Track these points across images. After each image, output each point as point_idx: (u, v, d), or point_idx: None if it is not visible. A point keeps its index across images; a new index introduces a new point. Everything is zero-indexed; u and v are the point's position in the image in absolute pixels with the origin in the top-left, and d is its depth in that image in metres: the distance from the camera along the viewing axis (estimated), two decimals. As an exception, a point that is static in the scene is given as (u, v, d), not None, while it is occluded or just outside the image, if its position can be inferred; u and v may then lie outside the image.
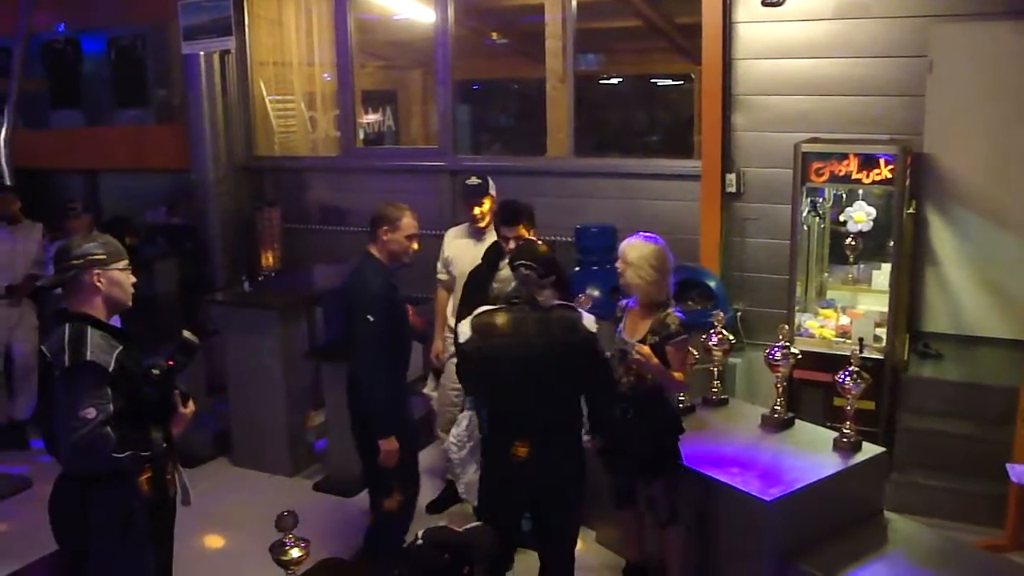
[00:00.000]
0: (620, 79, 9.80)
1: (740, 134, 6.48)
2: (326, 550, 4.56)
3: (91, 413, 3.15)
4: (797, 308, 5.92)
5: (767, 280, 6.47)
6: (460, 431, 4.40)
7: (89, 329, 3.27)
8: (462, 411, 4.56)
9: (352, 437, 4.71)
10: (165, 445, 3.48)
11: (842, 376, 4.46)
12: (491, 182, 5.47)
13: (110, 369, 3.24)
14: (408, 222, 4.52)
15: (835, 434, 4.57)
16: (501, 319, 3.83)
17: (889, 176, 5.49)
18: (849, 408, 4.49)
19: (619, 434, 4.29)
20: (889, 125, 6.01)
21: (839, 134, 6.03)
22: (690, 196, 6.66)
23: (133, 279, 3.52)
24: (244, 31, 8.17)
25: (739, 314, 6.45)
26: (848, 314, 5.95)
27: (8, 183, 8.16)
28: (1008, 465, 3.65)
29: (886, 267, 5.81)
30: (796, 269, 5.90)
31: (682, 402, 5.01)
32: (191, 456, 6.32)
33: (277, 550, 2.98)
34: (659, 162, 7.10)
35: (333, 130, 8.58)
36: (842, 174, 5.61)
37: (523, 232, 5.03)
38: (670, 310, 4.16)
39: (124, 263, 3.47)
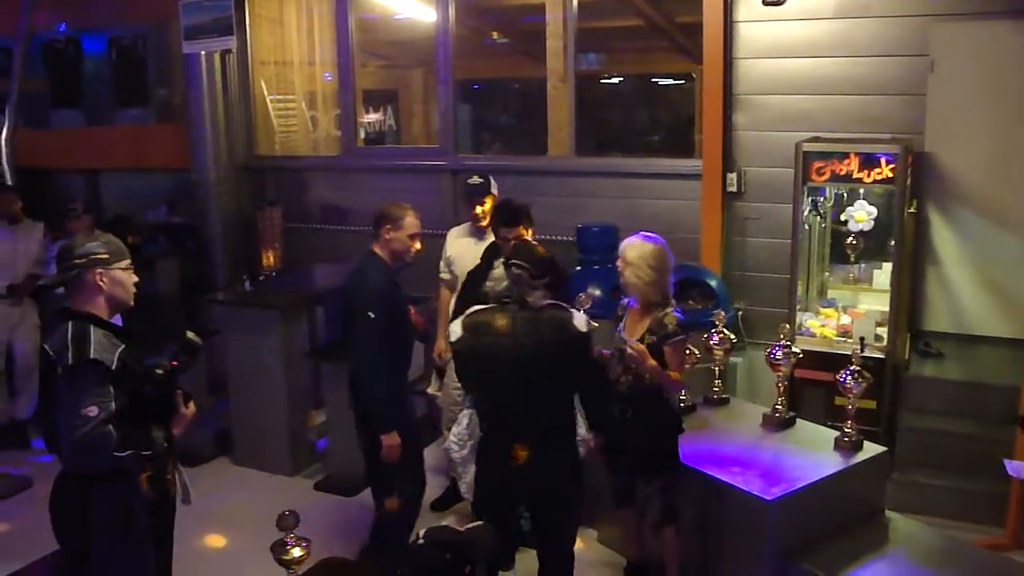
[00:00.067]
0: (621, 78, 9.81)
1: (741, 133, 6.48)
2: (327, 549, 4.56)
3: (93, 411, 3.15)
4: (798, 307, 5.93)
5: (768, 279, 6.47)
6: (461, 430, 4.40)
7: (92, 327, 3.28)
8: (463, 410, 4.56)
9: (355, 436, 4.71)
10: (166, 445, 3.48)
11: (843, 375, 4.47)
12: (493, 181, 5.47)
13: (113, 367, 3.24)
14: (411, 221, 4.53)
15: (836, 433, 4.57)
16: (491, 318, 3.85)
17: (890, 175, 5.49)
18: (850, 407, 4.49)
19: (618, 433, 4.29)
20: (890, 124, 6.01)
21: (840, 133, 6.03)
22: (691, 195, 6.66)
23: (135, 278, 3.53)
24: (245, 30, 8.17)
25: (740, 313, 6.45)
26: (849, 313, 5.95)
27: (9, 183, 8.16)
28: (1005, 461, 3.65)
29: (887, 266, 5.81)
30: (797, 268, 5.90)
31: (683, 401, 5.02)
32: (192, 455, 6.33)
33: (278, 549, 2.99)
34: (660, 161, 7.10)
35: (334, 129, 8.58)
36: (843, 173, 5.61)
37: (522, 232, 5.03)
38: (668, 310, 4.15)
39: (126, 262, 3.49)
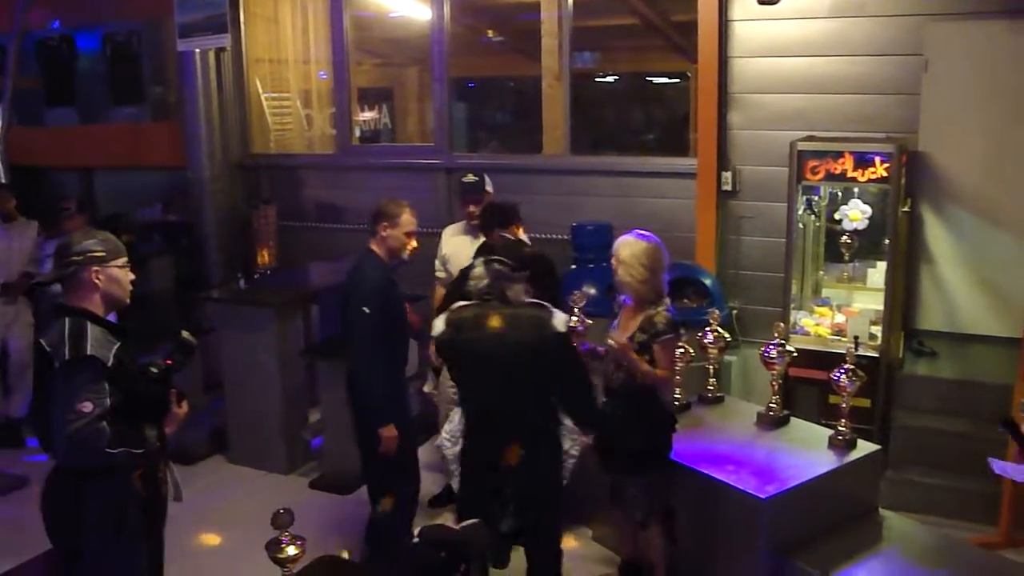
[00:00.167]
0: (616, 77, 9.82)
1: (736, 132, 6.49)
2: (322, 548, 4.55)
3: (87, 407, 3.16)
4: (793, 306, 5.94)
5: (763, 278, 6.48)
6: (453, 427, 4.41)
7: (89, 324, 3.29)
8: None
9: (351, 434, 4.73)
10: (158, 443, 3.49)
11: (837, 374, 4.47)
12: (487, 179, 5.47)
13: (109, 364, 3.25)
14: (407, 219, 4.55)
15: (830, 432, 4.57)
16: (471, 314, 3.88)
17: (884, 174, 5.50)
18: (844, 406, 4.50)
19: (609, 431, 4.31)
20: (885, 123, 6.02)
21: (835, 132, 6.04)
22: (686, 194, 6.66)
23: (132, 276, 3.54)
24: (240, 28, 8.15)
25: (735, 312, 6.46)
26: (843, 312, 5.96)
27: (3, 181, 8.14)
28: (991, 460, 3.66)
29: (881, 265, 5.82)
30: (792, 267, 5.90)
31: (677, 399, 5.02)
32: (187, 454, 6.34)
33: (273, 548, 2.99)
34: (655, 160, 7.11)
35: (329, 128, 8.57)
36: (837, 172, 5.62)
37: (515, 231, 5.04)
38: (660, 308, 4.15)
39: (123, 260, 3.50)
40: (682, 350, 4.91)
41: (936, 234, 6.13)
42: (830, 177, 5.67)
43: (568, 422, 4.83)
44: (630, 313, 4.29)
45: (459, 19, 7.90)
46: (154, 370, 3.43)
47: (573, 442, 4.90)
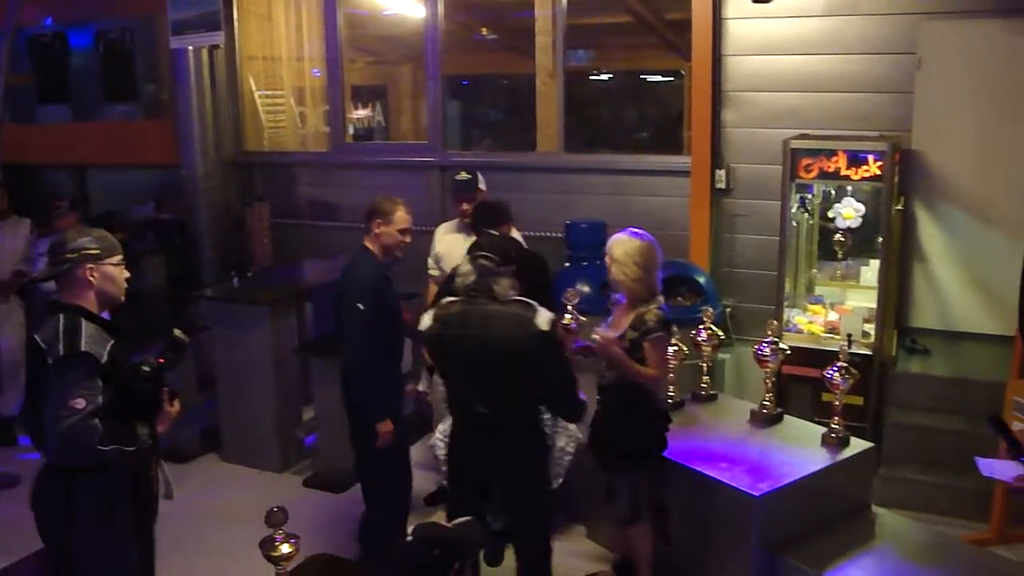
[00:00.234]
0: (610, 75, 9.82)
1: (730, 130, 6.49)
2: (316, 546, 4.56)
3: (80, 403, 3.16)
4: (786, 304, 5.95)
5: (756, 276, 6.49)
6: (446, 427, 4.42)
7: (83, 321, 3.29)
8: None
9: (345, 432, 4.73)
10: (150, 441, 3.48)
11: (830, 372, 4.48)
12: (480, 177, 5.47)
13: (103, 361, 3.25)
14: (401, 216, 4.55)
15: (823, 429, 4.58)
16: (457, 310, 3.88)
17: (878, 172, 5.52)
18: (837, 403, 4.50)
19: (600, 427, 4.31)
20: (878, 122, 6.03)
21: (828, 130, 6.05)
22: (680, 192, 6.67)
23: (127, 274, 3.54)
24: (233, 26, 8.14)
25: (728, 310, 6.47)
26: (836, 310, 5.98)
27: (-5, 178, 8.12)
28: (977, 458, 3.66)
29: (874, 263, 5.84)
30: (785, 265, 5.92)
31: (671, 397, 5.03)
32: (180, 452, 6.34)
33: (267, 546, 2.99)
34: (649, 158, 7.12)
35: (322, 125, 8.56)
36: (831, 170, 5.63)
37: (507, 230, 5.03)
38: (651, 306, 4.14)
39: (118, 258, 3.50)
40: (676, 348, 4.92)
41: (929, 232, 6.15)
42: (823, 175, 5.68)
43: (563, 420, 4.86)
44: (624, 311, 4.29)
45: (453, 17, 7.90)
46: (146, 368, 3.42)
47: (569, 439, 4.92)
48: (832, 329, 5.82)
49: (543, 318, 3.75)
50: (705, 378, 5.20)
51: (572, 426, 4.93)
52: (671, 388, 5.05)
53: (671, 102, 9.09)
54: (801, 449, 4.51)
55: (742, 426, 4.85)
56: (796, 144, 5.75)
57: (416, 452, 5.52)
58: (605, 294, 4.82)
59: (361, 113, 9.30)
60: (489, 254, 3.89)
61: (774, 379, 4.87)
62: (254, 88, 8.49)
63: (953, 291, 6.15)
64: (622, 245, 4.18)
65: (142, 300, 7.15)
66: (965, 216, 6.03)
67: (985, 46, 5.81)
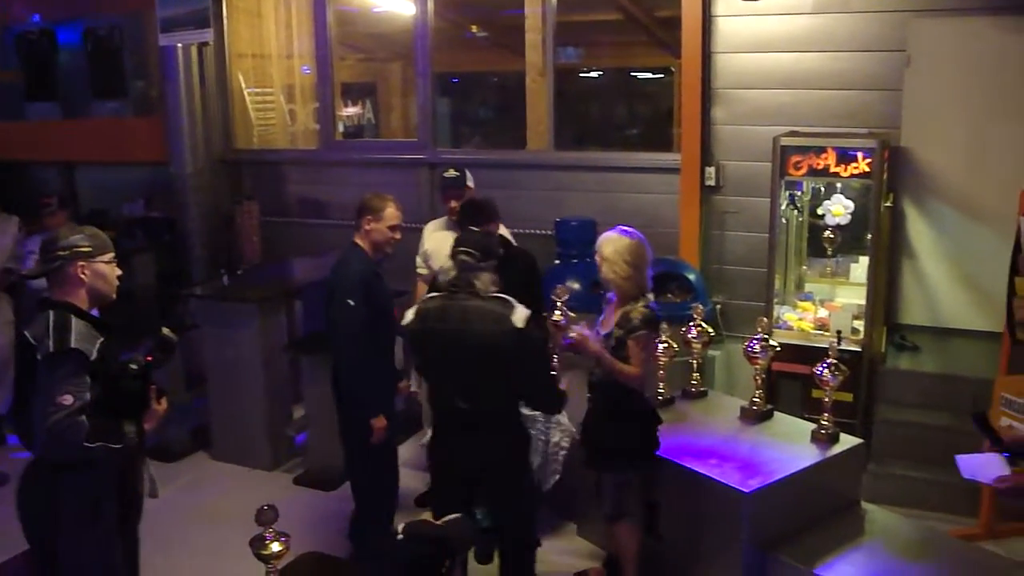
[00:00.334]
0: (600, 72, 9.84)
1: (719, 128, 6.50)
2: (307, 544, 4.55)
3: (68, 399, 3.16)
4: (776, 301, 5.96)
5: (746, 273, 6.50)
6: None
7: (73, 317, 3.30)
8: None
9: (335, 430, 4.73)
10: (136, 439, 3.47)
11: (820, 368, 4.49)
12: (469, 175, 5.46)
13: (92, 358, 3.25)
14: (391, 212, 4.56)
15: (813, 426, 4.59)
16: (437, 305, 3.92)
17: (867, 169, 5.53)
18: (827, 400, 4.52)
19: (590, 426, 4.32)
20: (867, 119, 6.05)
21: (818, 128, 6.06)
22: (670, 189, 6.68)
23: (119, 272, 3.54)
24: (222, 23, 8.11)
25: (718, 307, 6.49)
26: (826, 307, 6.00)
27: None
28: (957, 457, 3.66)
29: (864, 260, 5.85)
30: (775, 262, 5.93)
31: (661, 394, 5.04)
32: (170, 450, 6.33)
33: (257, 544, 2.98)
34: (639, 156, 7.13)
35: (312, 123, 8.54)
36: (820, 167, 5.65)
37: (493, 228, 5.01)
38: (638, 304, 4.13)
39: (109, 256, 3.50)
40: (666, 345, 4.93)
41: (918, 229, 6.17)
42: (813, 172, 5.69)
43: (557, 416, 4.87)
44: (614, 309, 4.30)
45: (442, 14, 7.89)
46: (135, 366, 3.43)
47: (562, 434, 4.93)
48: (822, 326, 5.83)
49: (519, 315, 3.77)
50: (695, 375, 5.21)
51: (565, 420, 4.95)
52: (661, 385, 5.06)
53: (661, 99, 9.11)
54: (791, 445, 4.52)
55: (732, 423, 4.86)
56: (786, 141, 5.76)
57: (407, 451, 5.52)
58: (595, 291, 4.82)
59: (351, 111, 9.29)
60: (470, 250, 3.90)
61: (764, 376, 4.88)
62: (243, 85, 8.46)
63: (942, 288, 6.18)
64: (612, 243, 4.18)
65: (132, 298, 7.13)
66: (954, 213, 6.05)
67: (974, 44, 5.83)
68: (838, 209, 5.76)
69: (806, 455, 4.41)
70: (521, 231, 6.58)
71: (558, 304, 4.56)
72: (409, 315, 3.99)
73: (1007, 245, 5.09)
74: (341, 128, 8.49)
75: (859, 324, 5.73)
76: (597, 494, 4.49)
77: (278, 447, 6.34)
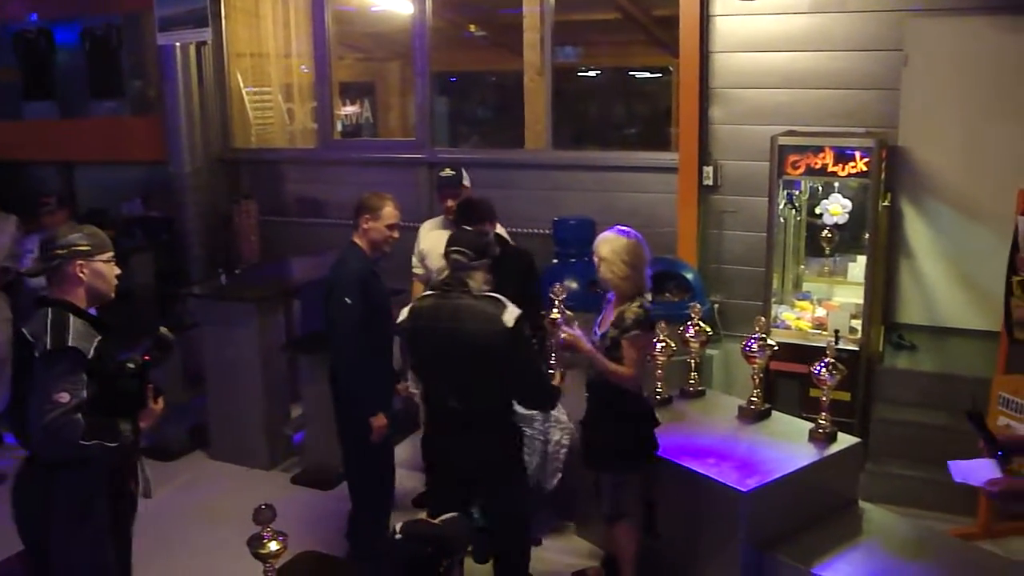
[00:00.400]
0: (598, 72, 9.83)
1: (717, 127, 6.50)
2: (304, 543, 4.56)
3: (64, 397, 3.17)
4: (773, 300, 5.97)
5: (744, 272, 6.50)
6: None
7: (71, 316, 3.30)
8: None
9: (333, 429, 4.74)
10: (132, 438, 3.47)
11: (818, 367, 4.49)
12: (465, 174, 5.45)
13: (89, 356, 3.26)
14: (389, 211, 4.56)
15: (811, 425, 4.60)
16: (430, 303, 3.93)
17: (864, 169, 5.54)
18: (825, 399, 4.52)
19: (587, 425, 4.32)
20: (865, 118, 6.05)
21: (815, 127, 6.06)
22: (667, 189, 6.68)
23: (117, 271, 3.54)
24: (220, 22, 8.10)
25: (716, 306, 6.49)
26: (824, 306, 6.00)
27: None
28: (950, 463, 3.66)
29: (861, 259, 5.86)
30: (772, 261, 5.93)
31: (659, 394, 5.04)
32: (168, 449, 6.33)
33: (255, 543, 2.99)
34: (637, 155, 7.12)
35: (310, 122, 8.53)
36: (818, 167, 5.65)
37: (489, 228, 5.00)
38: (633, 304, 4.13)
39: (108, 255, 3.50)
40: (663, 344, 4.93)
41: (916, 228, 6.17)
42: (811, 172, 5.69)
43: (555, 412, 4.87)
44: (613, 309, 4.30)
45: (441, 13, 7.89)
46: (131, 365, 3.43)
47: (563, 432, 4.93)
48: (819, 325, 5.83)
49: (510, 314, 3.77)
50: (693, 374, 5.21)
51: (565, 419, 4.95)
52: (659, 384, 5.06)
53: (659, 99, 9.10)
54: (789, 445, 4.52)
55: (730, 422, 4.87)
56: (784, 140, 5.76)
57: (405, 451, 5.52)
58: (593, 290, 4.82)
59: (349, 110, 9.27)
60: (463, 249, 3.91)
61: (762, 375, 4.88)
62: (242, 85, 8.46)
63: (939, 287, 6.19)
64: (609, 243, 4.18)
65: (130, 297, 7.13)
66: (951, 212, 6.06)
67: (971, 43, 5.84)
68: (836, 208, 5.76)
69: (804, 454, 4.42)
70: (519, 230, 6.58)
71: (556, 302, 4.56)
72: (403, 314, 4.01)
73: (1005, 244, 5.10)
74: (339, 127, 8.49)
75: (857, 323, 5.73)
76: (596, 494, 4.49)
77: (276, 446, 6.34)
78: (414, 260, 5.57)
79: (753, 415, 4.84)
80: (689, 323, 5.07)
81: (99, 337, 3.34)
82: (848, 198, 5.75)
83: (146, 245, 8.06)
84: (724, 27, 6.37)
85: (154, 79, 8.41)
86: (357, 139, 9.16)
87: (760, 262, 6.08)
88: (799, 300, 6.12)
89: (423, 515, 3.47)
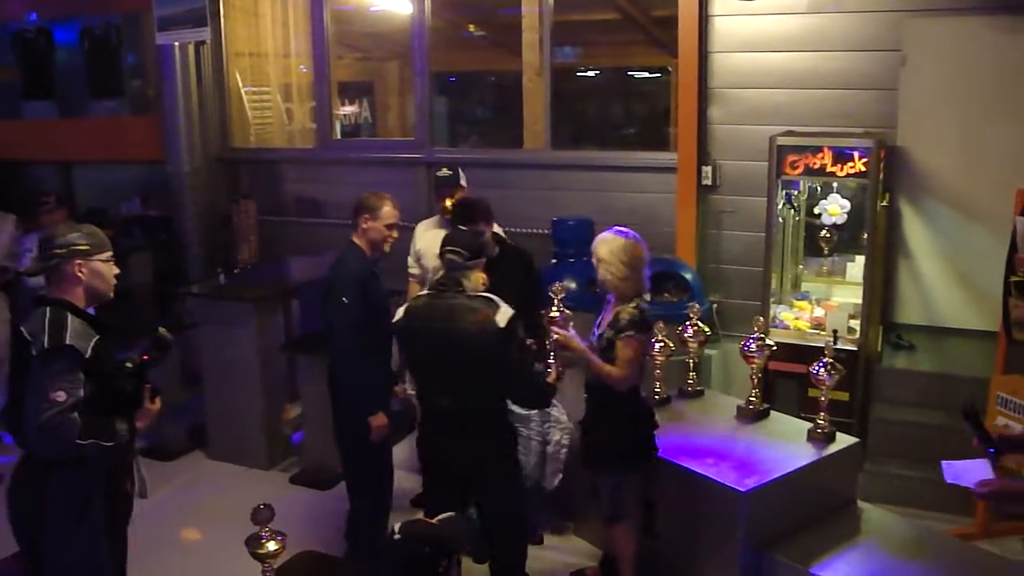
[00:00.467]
0: (597, 72, 9.83)
1: (716, 127, 6.51)
2: (302, 543, 4.56)
3: (61, 396, 3.17)
4: (772, 300, 5.97)
5: (742, 272, 6.51)
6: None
7: (69, 315, 3.30)
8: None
9: (331, 429, 4.74)
10: (128, 438, 3.47)
11: (816, 367, 4.49)
12: (462, 173, 5.45)
13: (87, 356, 3.25)
14: (388, 211, 4.56)
15: (809, 425, 4.60)
16: (425, 303, 3.95)
17: (863, 169, 5.54)
18: (823, 399, 4.52)
19: (586, 426, 4.32)
20: (863, 119, 6.05)
21: (814, 127, 6.06)
22: (666, 189, 6.68)
23: (116, 270, 3.54)
24: (219, 22, 8.10)
25: (715, 306, 6.49)
26: (822, 306, 6.00)
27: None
28: (944, 463, 3.67)
29: (860, 259, 5.86)
30: (771, 261, 5.94)
31: (657, 394, 5.04)
32: (166, 449, 6.32)
33: (253, 543, 2.98)
34: (636, 155, 7.12)
35: (309, 122, 8.53)
36: (817, 167, 5.65)
37: (485, 228, 4.99)
38: (629, 305, 4.11)
39: (107, 254, 3.50)
40: (662, 344, 4.93)
41: (914, 228, 6.18)
42: (809, 172, 5.69)
43: (554, 411, 4.87)
44: (611, 310, 4.30)
45: (440, 13, 7.89)
46: (129, 365, 3.43)
47: (563, 432, 4.93)
48: (818, 325, 5.84)
49: (503, 315, 3.78)
50: (692, 374, 5.21)
51: (564, 419, 4.95)
52: (657, 384, 5.06)
53: (658, 99, 9.10)
54: (787, 445, 4.52)
55: (728, 422, 4.87)
56: (782, 141, 5.76)
57: (403, 452, 5.52)
58: (591, 290, 4.82)
59: (348, 109, 9.27)
60: (458, 249, 3.92)
61: (760, 375, 4.88)
62: (241, 84, 8.45)
63: (938, 287, 6.19)
64: (607, 244, 4.17)
65: (129, 296, 7.12)
66: (950, 212, 6.06)
67: (969, 44, 5.84)
68: (834, 208, 5.76)
69: (802, 454, 4.42)
70: (517, 230, 6.59)
71: (555, 300, 4.56)
72: (399, 313, 4.02)
73: (1003, 244, 5.11)
74: (338, 127, 8.48)
75: (855, 323, 5.73)
76: (594, 495, 4.49)
77: (274, 446, 6.33)
78: (410, 260, 5.56)
79: (752, 415, 4.84)
80: (688, 323, 5.07)
81: (97, 336, 3.34)
82: (847, 198, 5.74)
83: (145, 244, 8.05)
84: (723, 27, 6.37)
85: (153, 79, 8.42)
86: (356, 139, 9.16)
87: (759, 262, 6.08)
88: (798, 300, 6.12)
89: (421, 515, 3.47)
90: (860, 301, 5.74)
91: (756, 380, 4.85)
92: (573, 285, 5.78)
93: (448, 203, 5.34)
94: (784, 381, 5.69)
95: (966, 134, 5.97)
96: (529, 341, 4.23)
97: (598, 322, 4.36)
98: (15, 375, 3.39)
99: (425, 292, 4.05)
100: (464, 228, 4.46)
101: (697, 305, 5.21)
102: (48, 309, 3.30)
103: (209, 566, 4.96)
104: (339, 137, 8.42)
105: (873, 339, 5.89)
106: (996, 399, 5.03)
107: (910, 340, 6.07)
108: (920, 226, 6.16)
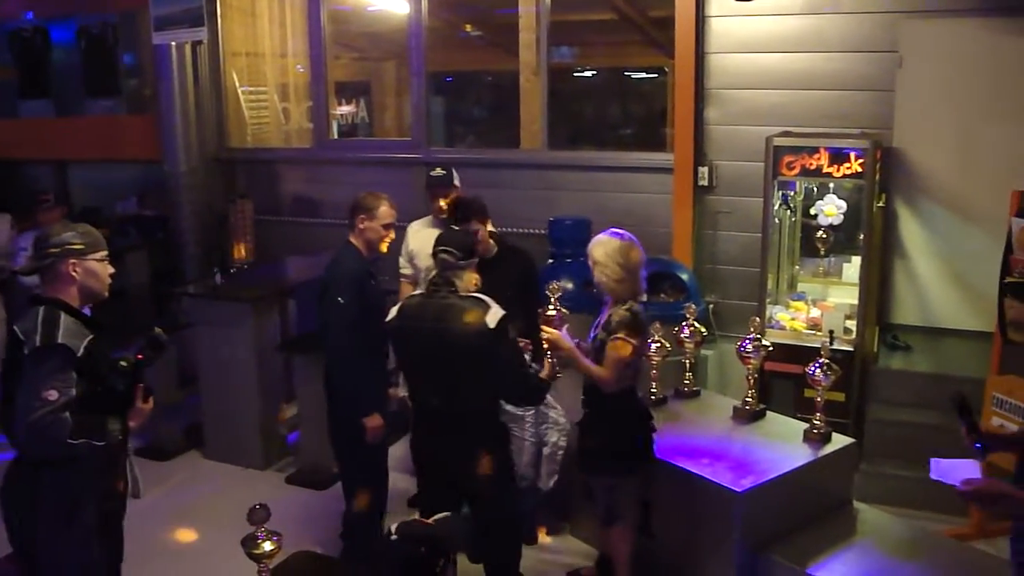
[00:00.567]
0: (594, 72, 9.83)
1: (712, 128, 6.51)
2: (298, 543, 4.55)
3: (53, 395, 3.16)
4: (768, 300, 5.97)
5: (739, 273, 6.51)
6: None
7: (62, 314, 3.29)
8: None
9: (327, 429, 4.73)
10: (120, 437, 3.46)
11: (812, 368, 4.50)
12: (455, 173, 5.44)
13: (79, 355, 3.24)
14: (385, 211, 4.56)
15: (805, 425, 4.61)
16: (417, 303, 3.97)
17: (859, 170, 5.54)
18: (819, 400, 4.53)
19: (582, 428, 4.32)
20: (859, 119, 6.06)
21: (810, 128, 6.06)
22: (663, 189, 6.68)
23: (111, 270, 3.53)
24: (216, 21, 8.09)
25: (711, 306, 6.49)
26: (818, 306, 6.00)
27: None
28: (932, 460, 3.67)
29: (856, 260, 5.87)
30: (767, 262, 5.94)
31: (654, 394, 5.04)
32: (162, 449, 6.32)
33: (249, 543, 2.98)
34: (632, 155, 7.13)
35: (306, 122, 8.53)
36: (813, 168, 5.65)
37: (478, 227, 4.98)
38: (622, 307, 4.10)
39: (102, 254, 3.48)
40: (658, 344, 4.94)
41: (910, 229, 6.19)
42: (805, 172, 5.70)
43: (552, 412, 4.87)
44: (608, 311, 4.29)
45: (437, 13, 7.89)
46: (124, 364, 3.42)
47: (560, 433, 4.93)
48: (814, 325, 5.84)
49: (493, 315, 3.79)
50: (688, 374, 5.21)
51: (562, 420, 4.94)
52: (654, 385, 5.06)
53: (654, 99, 9.10)
54: (783, 445, 4.53)
55: (725, 422, 4.87)
56: (779, 141, 5.77)
57: (399, 453, 5.51)
58: (588, 290, 4.82)
59: (345, 109, 9.26)
60: (451, 248, 3.93)
61: (756, 375, 4.88)
62: (237, 84, 8.45)
63: (934, 287, 6.20)
64: (602, 246, 4.14)
65: (125, 296, 7.12)
66: (946, 213, 6.08)
67: (965, 45, 5.85)
68: (831, 209, 5.77)
69: (798, 455, 4.43)
70: (514, 230, 6.59)
71: (552, 299, 4.56)
72: (392, 312, 4.03)
73: (999, 245, 5.12)
74: (335, 127, 8.48)
75: (851, 324, 5.73)
76: (589, 497, 4.50)
77: (270, 446, 6.33)
78: (402, 261, 5.50)
79: (748, 415, 4.85)
80: (684, 323, 5.07)
81: (90, 336, 3.32)
82: (843, 199, 5.75)
83: (141, 244, 8.06)
84: (719, 28, 6.38)
85: (149, 78, 8.41)
86: (353, 139, 9.15)
87: (755, 263, 6.08)
88: (794, 301, 6.12)
89: (417, 515, 3.48)
90: (856, 302, 5.74)
91: (752, 381, 4.85)
92: (570, 285, 5.78)
93: (444, 203, 5.32)
94: (780, 382, 5.69)
95: (962, 135, 5.98)
96: (525, 341, 4.22)
97: (596, 323, 4.36)
98: (8, 374, 3.38)
99: (418, 292, 4.06)
100: (457, 227, 4.46)
101: (693, 306, 5.21)
102: (42, 308, 3.29)
103: (205, 566, 4.96)
104: (336, 137, 8.41)
105: (869, 340, 5.89)
106: (992, 400, 5.04)
107: (906, 341, 6.08)
108: (916, 227, 6.17)
